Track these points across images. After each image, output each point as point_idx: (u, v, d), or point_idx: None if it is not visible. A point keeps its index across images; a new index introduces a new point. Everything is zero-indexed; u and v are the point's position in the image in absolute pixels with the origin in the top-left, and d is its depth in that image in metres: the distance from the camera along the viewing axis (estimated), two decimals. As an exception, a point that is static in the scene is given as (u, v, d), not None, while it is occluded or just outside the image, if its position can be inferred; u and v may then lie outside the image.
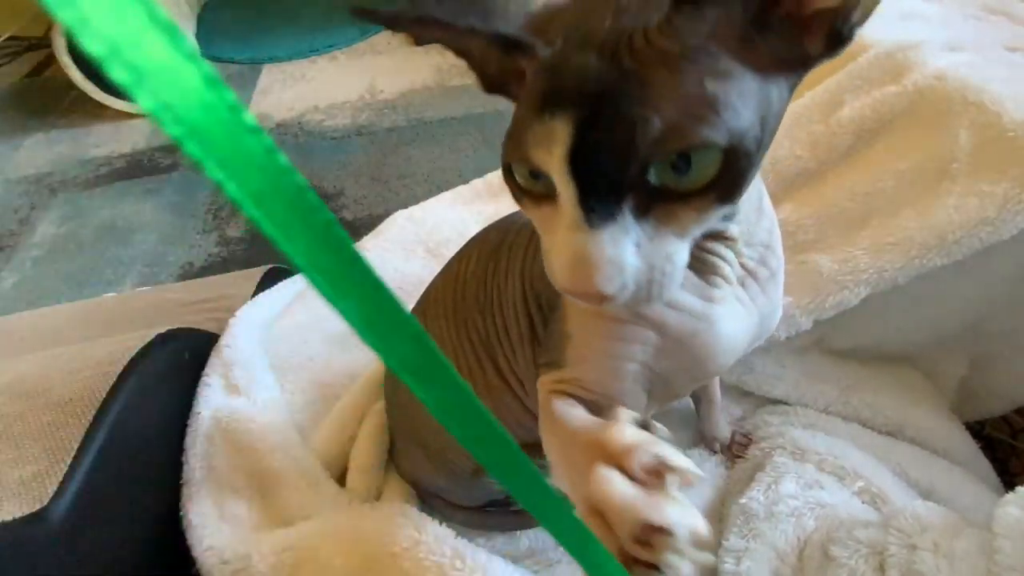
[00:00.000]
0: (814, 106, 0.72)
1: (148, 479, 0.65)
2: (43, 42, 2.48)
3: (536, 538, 0.65)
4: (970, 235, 0.56)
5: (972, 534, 0.49)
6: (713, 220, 0.30)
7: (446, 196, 1.10)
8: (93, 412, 0.59)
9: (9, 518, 0.50)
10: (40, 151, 1.91)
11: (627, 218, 0.28)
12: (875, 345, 0.73)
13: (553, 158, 0.28)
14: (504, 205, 1.08)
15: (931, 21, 0.76)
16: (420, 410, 0.63)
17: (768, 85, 0.28)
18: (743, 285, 0.41)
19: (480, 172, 1.12)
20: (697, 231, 0.30)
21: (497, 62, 0.34)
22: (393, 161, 1.69)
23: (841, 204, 0.66)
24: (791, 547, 0.58)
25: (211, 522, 0.63)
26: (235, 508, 0.65)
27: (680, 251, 0.30)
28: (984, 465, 0.70)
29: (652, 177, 0.27)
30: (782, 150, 0.72)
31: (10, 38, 2.53)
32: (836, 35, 0.28)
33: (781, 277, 0.43)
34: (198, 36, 2.11)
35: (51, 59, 2.35)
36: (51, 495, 0.52)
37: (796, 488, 0.61)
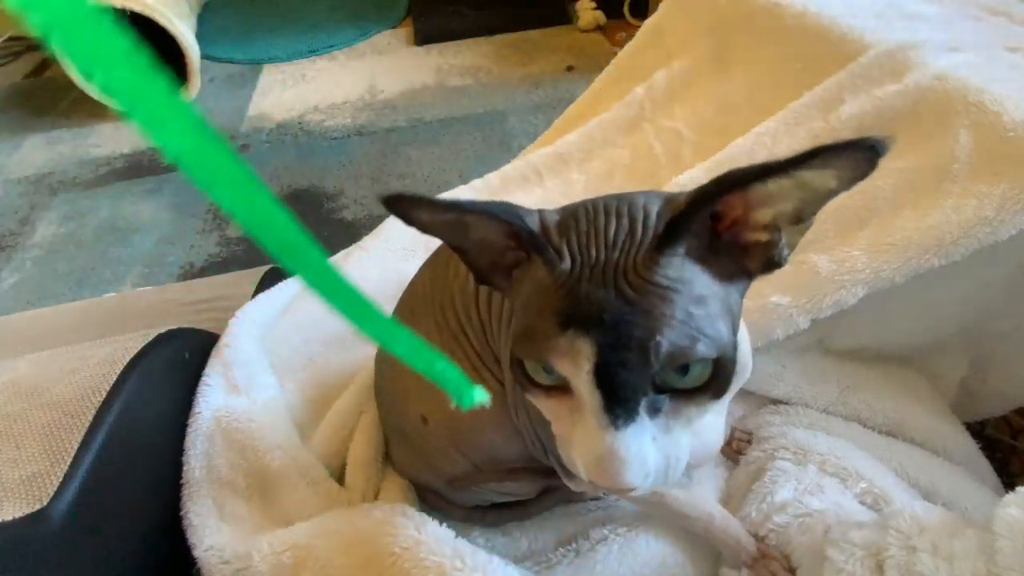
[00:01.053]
0: (814, 104, 0.72)
1: (148, 479, 0.65)
2: (43, 42, 2.47)
3: (536, 539, 0.66)
4: (968, 236, 0.56)
5: (971, 534, 0.49)
6: (708, 413, 0.36)
7: (446, 196, 1.10)
8: (93, 412, 0.59)
9: (9, 518, 0.50)
10: (40, 151, 1.91)
11: (643, 418, 0.33)
12: (875, 345, 0.73)
13: (580, 371, 0.33)
14: (504, 205, 1.07)
15: (931, 21, 0.76)
16: (405, 407, 0.63)
17: (727, 289, 0.35)
18: None
19: (480, 172, 1.12)
20: (696, 421, 0.36)
21: (490, 258, 0.39)
22: (393, 161, 1.69)
23: (840, 202, 0.65)
24: (789, 552, 0.58)
25: (211, 522, 0.63)
26: (235, 508, 0.65)
27: (686, 439, 0.36)
28: (984, 465, 0.70)
29: (658, 382, 0.33)
30: (781, 147, 0.72)
31: (10, 38, 2.53)
32: (770, 261, 0.35)
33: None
34: (198, 36, 2.10)
35: (51, 59, 2.35)
36: (51, 495, 0.52)
37: (794, 496, 0.61)
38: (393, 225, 1.03)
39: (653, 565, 0.60)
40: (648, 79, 1.03)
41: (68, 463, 0.54)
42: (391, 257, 0.97)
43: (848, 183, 0.30)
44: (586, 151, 1.07)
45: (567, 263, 0.35)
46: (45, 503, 0.51)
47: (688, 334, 0.32)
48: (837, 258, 0.63)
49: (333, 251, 1.03)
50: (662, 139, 0.98)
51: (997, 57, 0.68)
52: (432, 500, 0.67)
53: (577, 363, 0.33)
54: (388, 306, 0.89)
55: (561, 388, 0.35)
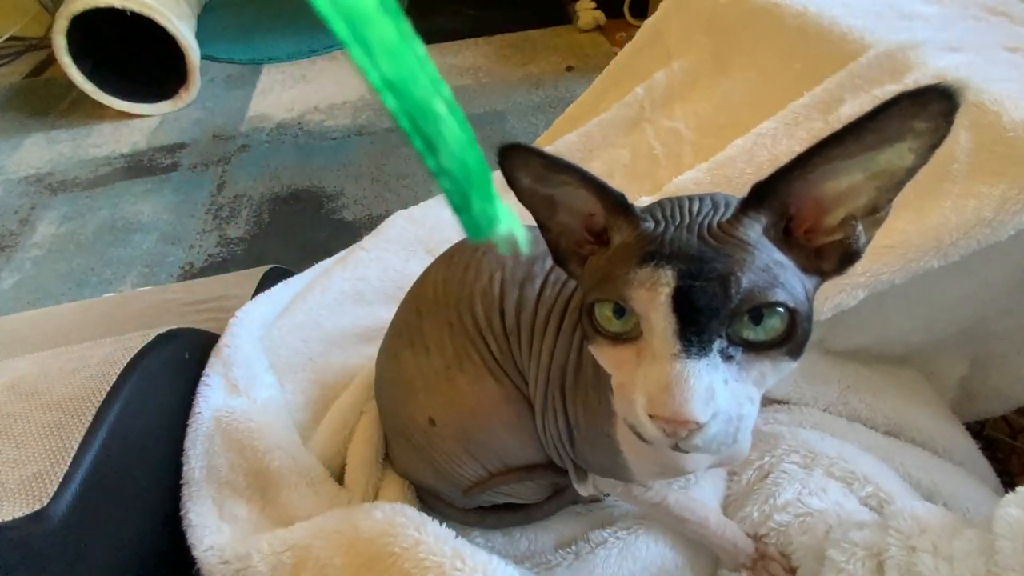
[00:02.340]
0: (814, 104, 0.72)
1: (148, 479, 0.65)
2: (43, 42, 2.48)
3: (535, 540, 0.65)
4: (967, 237, 0.56)
5: (971, 535, 0.49)
6: (782, 374, 0.35)
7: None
8: (93, 412, 0.59)
9: (9, 518, 0.50)
10: (40, 151, 1.91)
11: (716, 356, 0.33)
12: (875, 345, 0.73)
13: (657, 296, 0.33)
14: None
15: (931, 21, 0.76)
16: (409, 409, 0.63)
17: (804, 278, 0.35)
18: None
19: (480, 172, 1.12)
20: (771, 381, 0.35)
21: (569, 242, 0.41)
22: (393, 161, 1.69)
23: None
24: (789, 551, 0.58)
25: (211, 522, 0.63)
26: (235, 508, 0.65)
27: (756, 399, 0.35)
28: (984, 465, 0.70)
29: (732, 332, 0.33)
30: (781, 147, 0.72)
31: (10, 38, 2.53)
32: (848, 256, 0.35)
33: None
34: (198, 36, 2.10)
35: (51, 59, 2.35)
36: (51, 495, 0.52)
37: (796, 498, 0.61)
38: (393, 225, 1.03)
39: (653, 568, 0.60)
40: (648, 79, 1.03)
41: (68, 463, 0.54)
42: (391, 257, 0.97)
43: (926, 153, 0.30)
44: (586, 151, 1.07)
45: (651, 223, 0.36)
46: (45, 503, 0.51)
47: (767, 279, 0.33)
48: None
49: (333, 251, 1.03)
50: (662, 139, 0.98)
51: (997, 57, 0.68)
52: (431, 501, 0.67)
53: (655, 291, 0.33)
54: (388, 306, 0.89)
55: (628, 338, 0.35)
